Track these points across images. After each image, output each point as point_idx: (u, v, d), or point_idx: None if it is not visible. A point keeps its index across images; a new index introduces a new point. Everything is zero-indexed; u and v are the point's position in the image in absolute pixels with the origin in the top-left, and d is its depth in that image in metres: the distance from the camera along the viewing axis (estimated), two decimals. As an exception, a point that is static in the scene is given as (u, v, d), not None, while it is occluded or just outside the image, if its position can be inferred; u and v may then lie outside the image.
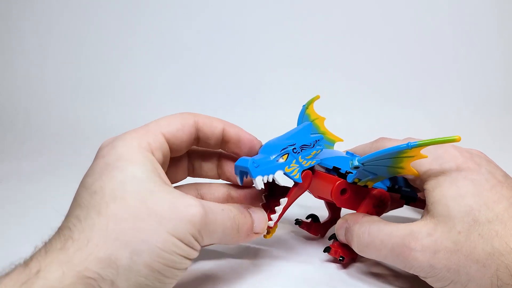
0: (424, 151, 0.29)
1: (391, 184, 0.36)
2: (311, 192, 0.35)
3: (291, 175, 0.31)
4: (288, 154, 0.31)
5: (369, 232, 0.30)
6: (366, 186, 0.34)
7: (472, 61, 0.91)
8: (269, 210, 0.32)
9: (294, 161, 0.31)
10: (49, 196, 0.53)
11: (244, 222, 0.29)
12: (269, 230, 0.32)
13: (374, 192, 0.35)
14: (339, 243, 0.34)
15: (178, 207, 0.24)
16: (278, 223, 0.32)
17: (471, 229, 0.27)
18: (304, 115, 0.38)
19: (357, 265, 0.35)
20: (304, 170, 0.32)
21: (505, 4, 0.90)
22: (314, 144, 0.32)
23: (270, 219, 0.31)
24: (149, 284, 0.23)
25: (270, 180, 0.29)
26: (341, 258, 0.34)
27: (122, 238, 0.22)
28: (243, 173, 0.29)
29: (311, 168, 0.32)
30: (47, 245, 0.23)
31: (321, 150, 0.33)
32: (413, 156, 0.29)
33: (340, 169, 0.33)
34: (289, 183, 0.32)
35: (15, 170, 0.64)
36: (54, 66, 0.97)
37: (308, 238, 0.40)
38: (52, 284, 0.20)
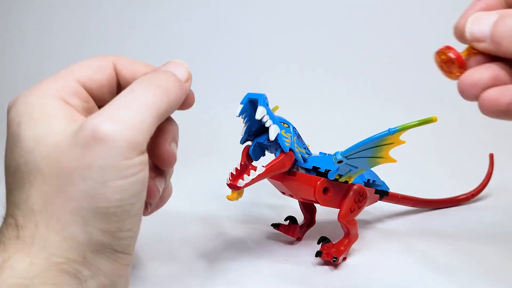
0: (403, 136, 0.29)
1: (367, 179, 0.37)
2: (294, 195, 0.35)
3: (283, 139, 0.31)
4: (289, 127, 0.32)
5: None
6: (346, 182, 0.34)
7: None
8: (245, 172, 0.31)
9: (290, 135, 0.32)
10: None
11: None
12: (238, 189, 0.30)
13: (355, 187, 0.35)
14: (330, 244, 0.34)
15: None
16: (245, 189, 0.31)
17: None
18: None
19: (351, 264, 0.35)
20: (291, 150, 0.31)
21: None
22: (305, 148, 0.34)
23: (242, 178, 0.30)
24: (109, 242, 0.21)
25: (267, 124, 0.30)
26: (334, 259, 0.33)
27: (65, 215, 0.20)
28: (251, 102, 0.30)
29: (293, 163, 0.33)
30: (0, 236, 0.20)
31: (309, 155, 0.34)
32: (392, 143, 0.29)
33: (319, 168, 0.33)
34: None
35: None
36: (54, 66, 0.97)
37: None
38: (20, 274, 0.19)
